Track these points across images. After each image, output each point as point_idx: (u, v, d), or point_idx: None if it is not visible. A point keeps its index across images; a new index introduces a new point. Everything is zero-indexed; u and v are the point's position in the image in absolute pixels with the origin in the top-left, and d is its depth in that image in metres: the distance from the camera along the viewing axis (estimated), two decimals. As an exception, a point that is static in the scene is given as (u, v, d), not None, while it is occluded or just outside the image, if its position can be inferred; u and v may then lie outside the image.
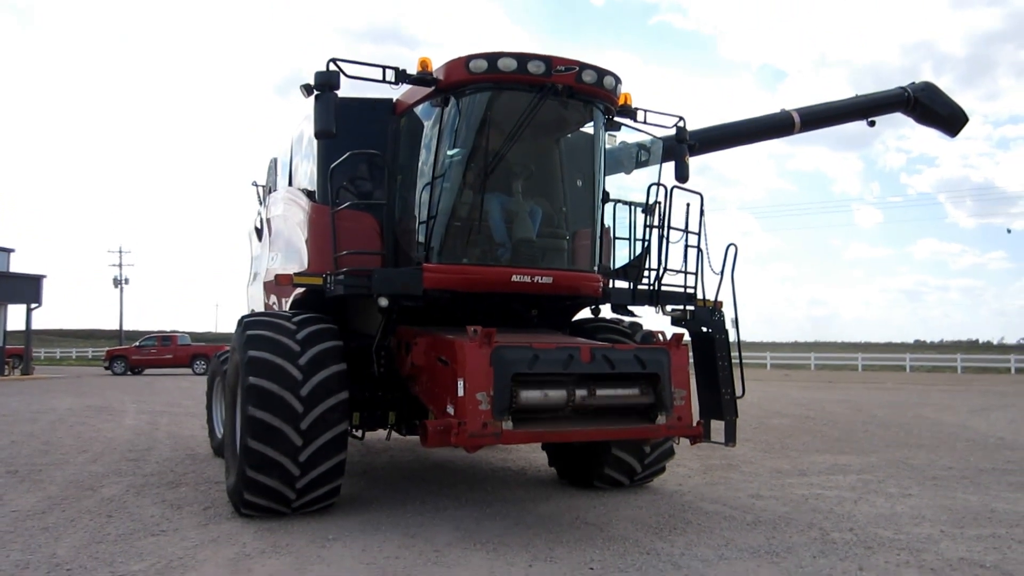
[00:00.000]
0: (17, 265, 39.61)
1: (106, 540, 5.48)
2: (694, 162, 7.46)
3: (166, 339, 38.29)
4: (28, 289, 36.79)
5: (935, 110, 10.77)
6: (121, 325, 60.81)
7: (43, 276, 37.36)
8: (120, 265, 59.76)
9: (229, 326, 6.62)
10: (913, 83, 10.80)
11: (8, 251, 39.33)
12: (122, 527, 5.85)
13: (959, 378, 35.50)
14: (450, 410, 5.18)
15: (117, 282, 59.46)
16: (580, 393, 5.36)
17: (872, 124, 10.68)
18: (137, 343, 38.85)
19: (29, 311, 36.76)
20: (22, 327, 37.85)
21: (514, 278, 6.03)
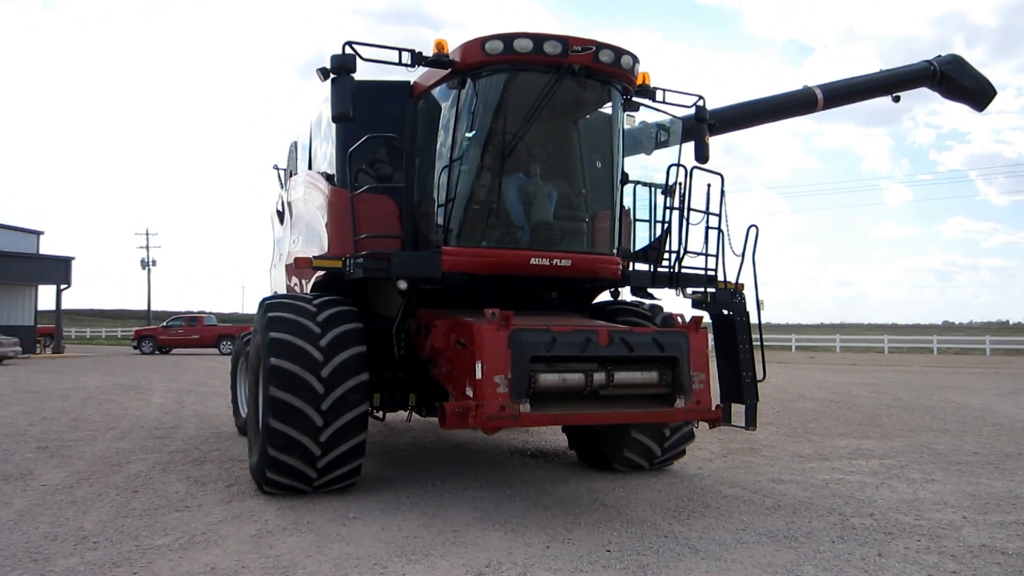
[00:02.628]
0: (47, 247, 40.44)
1: (132, 515, 5.61)
2: (718, 141, 7.39)
3: (193, 320, 38.94)
4: (58, 270, 37.60)
5: (962, 84, 10.47)
6: (149, 305, 61.77)
7: (72, 258, 38.21)
8: (147, 247, 60.50)
9: (255, 307, 6.77)
10: (939, 56, 10.51)
11: (38, 233, 40.11)
12: (148, 502, 5.99)
13: (988, 360, 34.91)
14: (469, 392, 5.19)
15: (144, 264, 60.24)
16: (598, 376, 5.35)
17: (897, 100, 10.41)
18: (164, 323, 39.51)
19: (59, 292, 37.58)
20: (53, 307, 38.75)
21: (532, 261, 6.01)
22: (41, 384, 18.30)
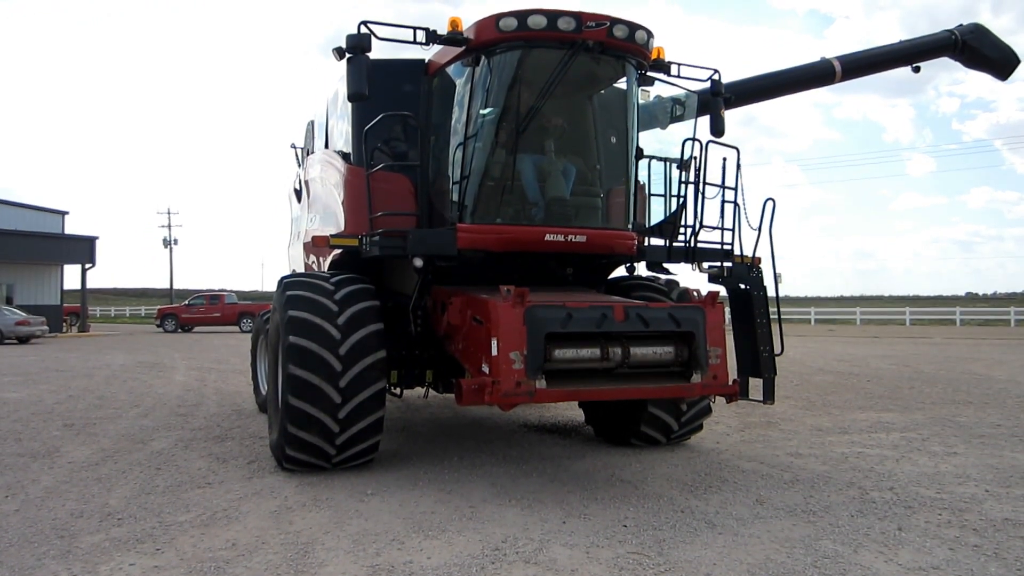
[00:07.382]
0: (72, 227, 40.97)
1: (155, 491, 5.72)
2: (736, 114, 7.31)
3: (214, 298, 39.35)
4: (82, 250, 38.15)
5: (985, 53, 10.26)
6: (171, 284, 62.36)
7: (96, 237, 38.72)
8: (169, 226, 60.98)
9: (274, 284, 6.92)
10: (961, 25, 10.28)
11: (63, 213, 40.63)
12: (170, 479, 6.10)
13: (1012, 332, 34.42)
14: (485, 369, 5.21)
15: (167, 242, 60.77)
16: (614, 352, 5.35)
17: (917, 70, 10.20)
18: (187, 302, 39.99)
19: (84, 271, 38.13)
20: (78, 286, 39.39)
21: (547, 237, 5.99)
22: (67, 362, 18.65)
